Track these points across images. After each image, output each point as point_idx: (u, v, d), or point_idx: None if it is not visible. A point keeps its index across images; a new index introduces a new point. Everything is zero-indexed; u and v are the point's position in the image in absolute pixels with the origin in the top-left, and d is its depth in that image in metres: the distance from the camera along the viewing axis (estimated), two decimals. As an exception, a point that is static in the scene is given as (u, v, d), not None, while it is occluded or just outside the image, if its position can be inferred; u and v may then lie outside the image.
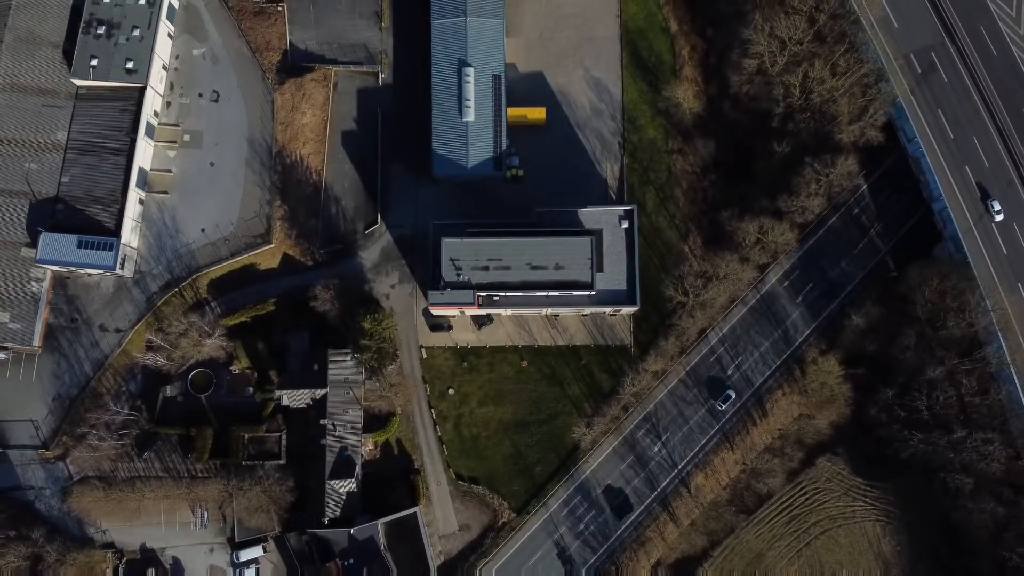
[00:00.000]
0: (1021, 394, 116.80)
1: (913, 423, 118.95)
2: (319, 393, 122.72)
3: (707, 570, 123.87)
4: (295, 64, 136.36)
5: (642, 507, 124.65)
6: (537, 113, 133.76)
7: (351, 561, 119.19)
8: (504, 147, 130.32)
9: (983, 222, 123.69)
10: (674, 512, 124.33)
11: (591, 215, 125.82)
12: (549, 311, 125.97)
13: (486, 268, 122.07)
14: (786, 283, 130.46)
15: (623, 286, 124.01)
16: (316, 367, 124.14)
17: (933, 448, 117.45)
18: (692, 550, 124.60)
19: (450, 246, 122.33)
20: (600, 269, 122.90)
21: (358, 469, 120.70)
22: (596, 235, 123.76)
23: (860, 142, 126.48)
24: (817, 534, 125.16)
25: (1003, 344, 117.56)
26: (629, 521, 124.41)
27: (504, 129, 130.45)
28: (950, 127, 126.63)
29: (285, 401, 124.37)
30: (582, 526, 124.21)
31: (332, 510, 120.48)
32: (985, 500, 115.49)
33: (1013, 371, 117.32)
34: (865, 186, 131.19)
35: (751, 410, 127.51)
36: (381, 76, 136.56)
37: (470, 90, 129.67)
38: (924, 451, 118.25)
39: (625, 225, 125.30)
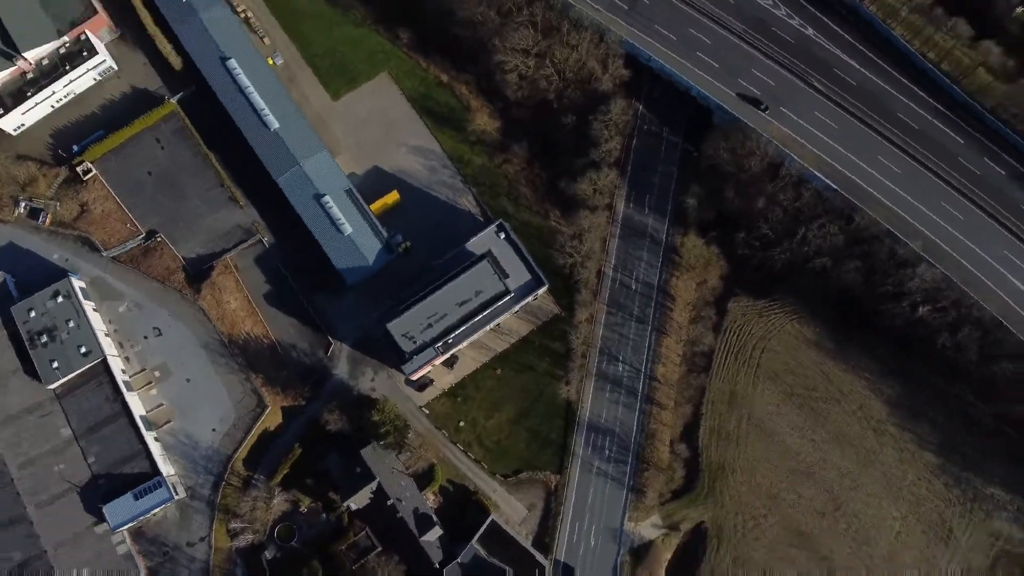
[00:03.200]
0: (820, 177, 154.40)
1: (769, 244, 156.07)
2: (373, 485, 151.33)
3: (704, 429, 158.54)
4: (197, 271, 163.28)
5: (636, 411, 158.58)
6: (392, 197, 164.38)
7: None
8: (386, 235, 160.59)
9: (731, 80, 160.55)
10: (659, 401, 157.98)
11: (476, 244, 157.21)
12: (490, 326, 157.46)
13: (430, 325, 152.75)
14: (631, 205, 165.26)
15: (529, 276, 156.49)
16: (358, 469, 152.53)
17: (792, 252, 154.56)
18: (686, 419, 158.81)
19: (395, 326, 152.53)
20: (507, 276, 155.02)
21: (434, 517, 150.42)
22: (488, 255, 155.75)
23: (617, 82, 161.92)
24: (759, 355, 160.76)
25: (792, 155, 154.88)
26: (634, 427, 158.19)
27: (377, 223, 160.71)
28: (669, 32, 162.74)
29: (354, 507, 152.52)
30: (607, 452, 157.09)
31: (436, 557, 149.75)
32: (844, 264, 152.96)
33: (810, 167, 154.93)
34: (641, 107, 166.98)
35: (664, 303, 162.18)
36: (265, 239, 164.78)
37: (336, 212, 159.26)
38: (789, 258, 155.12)
39: (503, 236, 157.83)
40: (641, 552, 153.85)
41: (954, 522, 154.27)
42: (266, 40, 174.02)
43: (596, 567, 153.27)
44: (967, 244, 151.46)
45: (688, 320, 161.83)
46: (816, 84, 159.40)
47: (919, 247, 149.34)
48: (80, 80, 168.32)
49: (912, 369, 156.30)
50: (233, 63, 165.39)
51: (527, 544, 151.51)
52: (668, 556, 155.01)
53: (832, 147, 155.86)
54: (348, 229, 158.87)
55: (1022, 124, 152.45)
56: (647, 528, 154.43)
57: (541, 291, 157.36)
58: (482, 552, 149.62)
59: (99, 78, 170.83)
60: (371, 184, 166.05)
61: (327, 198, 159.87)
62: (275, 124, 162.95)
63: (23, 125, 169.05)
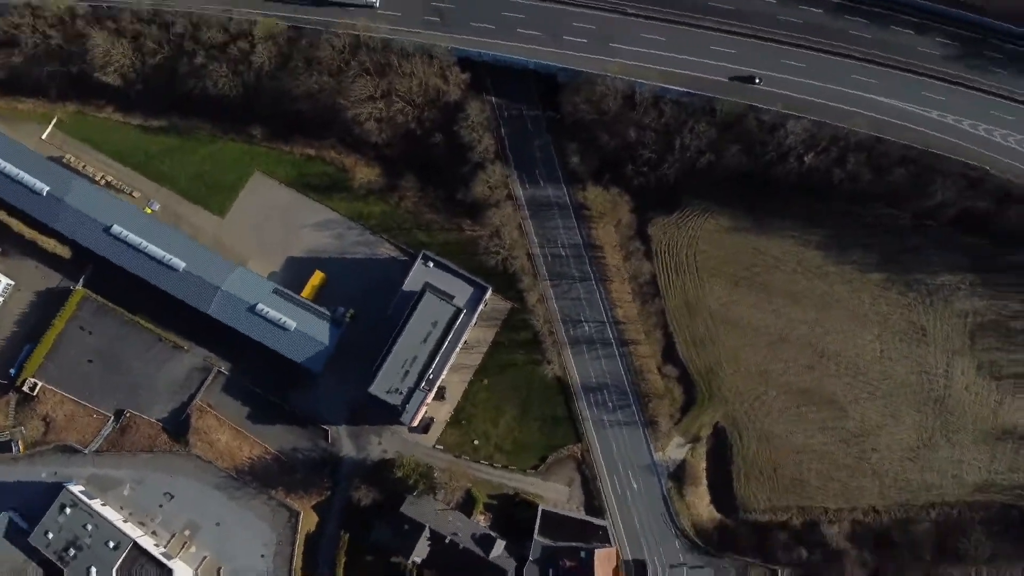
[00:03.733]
0: (671, 88, 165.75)
1: (656, 164, 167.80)
2: (426, 532, 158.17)
3: (679, 344, 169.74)
4: (177, 425, 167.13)
5: (617, 357, 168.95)
6: (317, 277, 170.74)
7: (552, 570, 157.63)
8: (328, 313, 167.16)
9: (558, 41, 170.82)
10: (631, 340, 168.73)
11: (412, 282, 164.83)
12: (459, 346, 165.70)
13: (407, 372, 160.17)
14: (527, 186, 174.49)
15: (471, 288, 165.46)
16: (406, 526, 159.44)
17: (680, 162, 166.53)
18: (661, 343, 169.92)
19: (377, 387, 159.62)
20: (452, 297, 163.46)
21: (492, 533, 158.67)
22: (427, 287, 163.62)
23: (463, 87, 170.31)
24: (693, 260, 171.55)
25: (638, 80, 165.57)
26: (622, 372, 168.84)
27: (314, 306, 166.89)
28: (486, 23, 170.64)
29: (419, 560, 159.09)
30: (610, 404, 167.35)
31: (510, 566, 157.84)
32: (725, 152, 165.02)
33: (659, 84, 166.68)
34: (494, 99, 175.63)
35: (594, 255, 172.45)
36: (222, 368, 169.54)
37: (274, 314, 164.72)
38: (679, 167, 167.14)
39: (431, 264, 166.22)
40: (679, 473, 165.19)
41: (922, 321, 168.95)
42: (135, 194, 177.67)
43: (648, 505, 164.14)
44: (819, 85, 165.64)
45: (622, 260, 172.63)
46: (629, 10, 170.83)
47: (780, 107, 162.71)
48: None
49: (825, 211, 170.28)
50: (116, 228, 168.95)
51: (581, 515, 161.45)
52: (703, 465, 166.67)
53: (668, 57, 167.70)
54: (292, 324, 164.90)
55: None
56: (674, 450, 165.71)
57: (487, 295, 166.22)
58: (547, 542, 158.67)
59: (2, 299, 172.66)
60: (293, 275, 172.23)
61: (259, 306, 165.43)
62: (181, 264, 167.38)
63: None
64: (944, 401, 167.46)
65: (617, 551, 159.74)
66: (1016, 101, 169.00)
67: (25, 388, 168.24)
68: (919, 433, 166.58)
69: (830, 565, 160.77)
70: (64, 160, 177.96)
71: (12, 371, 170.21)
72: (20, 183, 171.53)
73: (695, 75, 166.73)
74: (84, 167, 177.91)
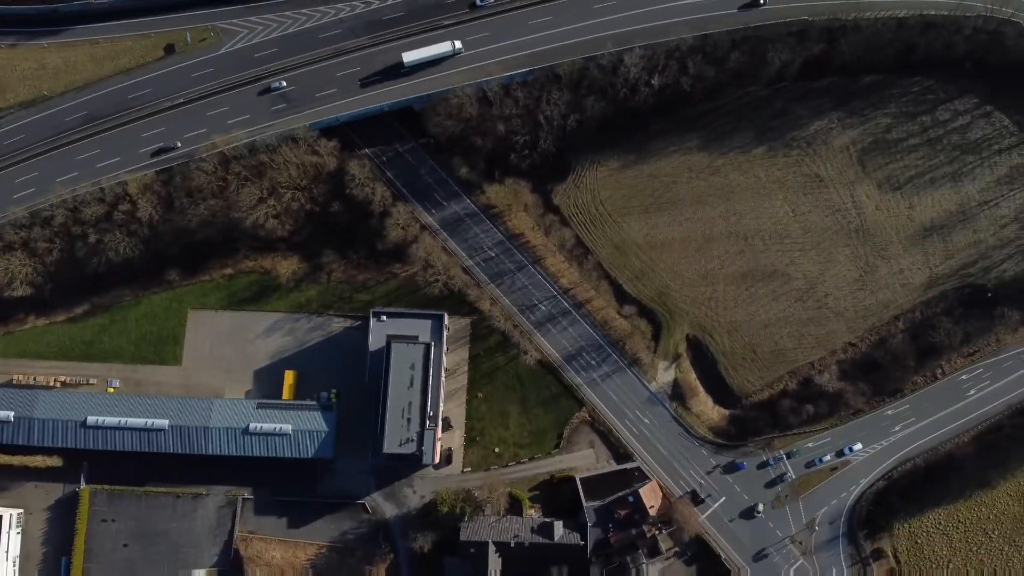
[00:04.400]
0: (513, 73, 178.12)
1: (533, 144, 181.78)
2: (491, 546, 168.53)
3: (625, 284, 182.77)
4: (229, 564, 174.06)
5: (580, 320, 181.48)
6: (290, 376, 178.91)
7: (612, 525, 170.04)
8: (315, 403, 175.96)
9: (398, 76, 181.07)
10: (584, 299, 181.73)
11: (374, 341, 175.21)
12: (444, 377, 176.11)
13: (408, 419, 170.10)
14: (433, 211, 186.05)
15: (429, 321, 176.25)
16: (472, 549, 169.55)
17: (552, 135, 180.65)
18: (610, 291, 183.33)
19: (389, 445, 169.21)
20: (416, 337, 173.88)
21: (547, 519, 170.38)
22: (390, 338, 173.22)
23: (336, 153, 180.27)
24: (603, 208, 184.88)
25: (482, 79, 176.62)
26: (590, 330, 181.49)
27: (299, 403, 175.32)
28: (326, 89, 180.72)
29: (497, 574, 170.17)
30: (592, 362, 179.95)
31: (575, 540, 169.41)
32: (584, 104, 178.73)
33: (501, 74, 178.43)
34: (367, 151, 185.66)
35: (519, 243, 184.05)
36: (245, 495, 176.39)
37: (267, 427, 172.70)
38: (553, 138, 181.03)
39: (384, 318, 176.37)
40: (677, 392, 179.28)
41: (814, 169, 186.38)
42: (92, 381, 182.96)
43: (664, 431, 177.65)
44: (635, 13, 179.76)
45: (544, 236, 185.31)
46: (444, 22, 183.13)
47: (612, 49, 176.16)
48: (12, 541, 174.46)
49: (692, 116, 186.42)
50: (91, 419, 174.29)
51: (613, 467, 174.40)
52: (693, 376, 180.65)
53: (497, 47, 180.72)
54: (288, 428, 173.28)
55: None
56: (663, 375, 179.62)
57: (446, 321, 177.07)
58: (597, 503, 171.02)
59: (19, 531, 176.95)
60: (267, 384, 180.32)
61: (252, 426, 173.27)
62: (165, 423, 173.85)
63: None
64: (863, 228, 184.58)
65: (657, 482, 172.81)
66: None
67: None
68: (856, 264, 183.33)
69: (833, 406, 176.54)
70: (14, 381, 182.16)
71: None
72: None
73: (531, 51, 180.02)
74: (34, 379, 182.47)
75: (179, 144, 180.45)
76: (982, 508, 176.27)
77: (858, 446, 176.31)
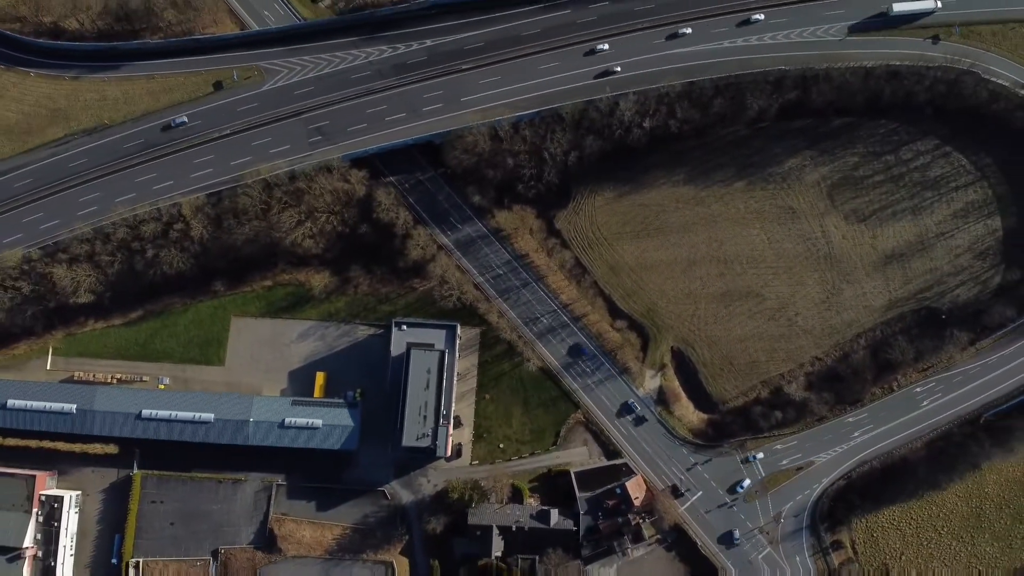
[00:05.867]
0: (523, 113, 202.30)
1: (538, 176, 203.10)
2: (495, 530, 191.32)
3: (618, 301, 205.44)
4: (265, 542, 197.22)
5: (577, 332, 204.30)
6: (321, 378, 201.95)
7: (601, 513, 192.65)
8: (342, 401, 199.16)
9: (418, 114, 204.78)
10: (581, 314, 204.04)
11: (395, 347, 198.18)
12: (456, 380, 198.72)
13: (424, 417, 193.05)
14: (449, 233, 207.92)
15: (444, 331, 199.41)
16: (478, 532, 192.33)
17: (552, 167, 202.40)
18: (604, 307, 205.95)
19: (406, 439, 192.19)
20: (432, 345, 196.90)
21: (545, 507, 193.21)
22: (409, 346, 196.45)
23: (364, 182, 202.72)
24: (602, 230, 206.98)
25: (496, 119, 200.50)
26: (585, 341, 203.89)
27: (328, 401, 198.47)
28: (359, 124, 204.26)
29: (499, 553, 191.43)
30: (587, 369, 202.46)
31: (567, 525, 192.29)
32: (584, 143, 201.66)
33: (513, 114, 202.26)
34: (392, 179, 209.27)
35: (525, 262, 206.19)
36: (279, 481, 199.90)
37: (300, 421, 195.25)
38: (556, 171, 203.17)
39: (404, 327, 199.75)
40: (662, 398, 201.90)
41: (788, 202, 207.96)
42: (145, 378, 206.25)
43: (650, 432, 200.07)
44: (631, 60, 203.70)
45: (547, 257, 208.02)
46: (463, 66, 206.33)
47: (609, 94, 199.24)
48: (71, 519, 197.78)
49: (679, 152, 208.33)
50: (145, 412, 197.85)
51: (604, 462, 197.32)
52: (676, 383, 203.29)
53: (508, 90, 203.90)
54: (319, 423, 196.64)
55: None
56: (650, 382, 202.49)
57: (459, 331, 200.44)
58: (588, 494, 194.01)
59: (77, 510, 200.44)
60: (300, 384, 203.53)
61: (287, 420, 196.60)
62: (211, 416, 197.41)
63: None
64: (831, 255, 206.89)
65: (642, 476, 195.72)
66: (779, 5, 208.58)
67: (130, 571, 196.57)
68: (823, 287, 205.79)
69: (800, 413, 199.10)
70: (75, 378, 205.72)
71: (114, 560, 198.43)
72: (50, 412, 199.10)
73: (537, 93, 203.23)
74: (93, 376, 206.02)
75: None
76: (932, 507, 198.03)
77: (760, 455, 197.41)
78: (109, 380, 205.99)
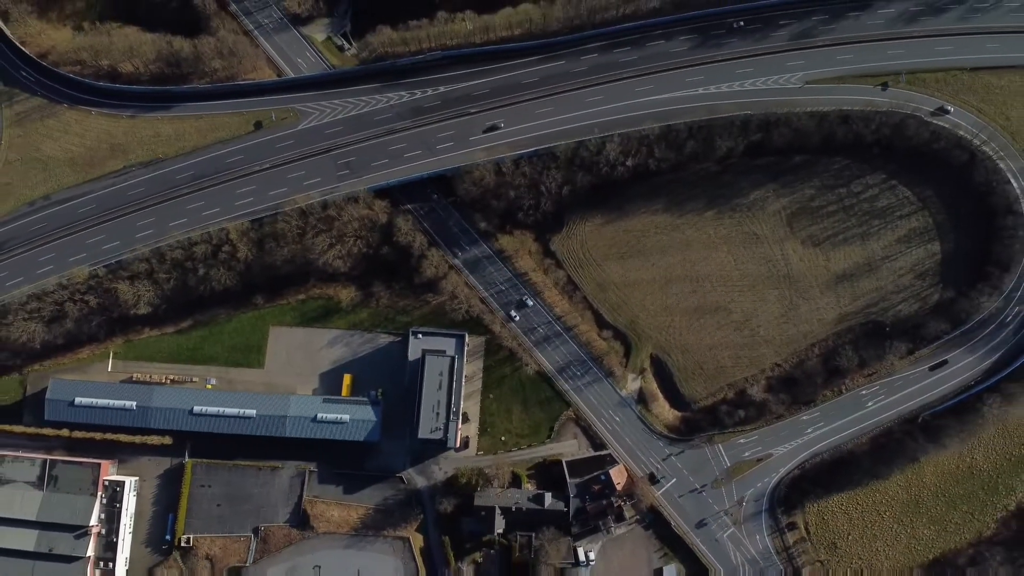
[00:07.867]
0: (523, 151, 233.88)
1: (536, 205, 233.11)
2: (498, 510, 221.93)
3: (605, 314, 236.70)
4: (301, 523, 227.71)
5: (569, 340, 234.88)
6: (348, 379, 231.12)
7: (588, 497, 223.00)
8: (367, 400, 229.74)
9: (433, 151, 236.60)
10: (573, 325, 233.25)
11: (412, 353, 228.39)
12: (464, 381, 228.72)
13: (437, 413, 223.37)
14: (458, 254, 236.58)
15: (454, 340, 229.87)
16: (483, 512, 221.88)
17: (548, 199, 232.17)
18: (593, 319, 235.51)
19: (422, 431, 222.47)
20: (444, 351, 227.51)
21: (540, 491, 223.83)
22: (424, 352, 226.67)
23: (387, 210, 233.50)
24: (589, 254, 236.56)
25: (500, 156, 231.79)
26: (576, 348, 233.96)
27: (354, 399, 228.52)
28: (382, 160, 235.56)
29: (500, 531, 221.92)
30: (577, 372, 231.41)
31: (560, 507, 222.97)
32: (575, 177, 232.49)
33: (514, 152, 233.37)
34: (410, 207, 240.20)
35: (525, 280, 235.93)
36: (311, 468, 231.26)
37: (330, 416, 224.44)
38: (551, 201, 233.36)
39: (420, 335, 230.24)
40: (642, 398, 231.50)
41: (753, 229, 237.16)
42: (194, 379, 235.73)
43: (630, 427, 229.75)
44: (615, 106, 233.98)
45: (543, 275, 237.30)
46: (471, 110, 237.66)
47: (597, 135, 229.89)
48: (130, 501, 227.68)
49: (658, 185, 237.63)
50: (197, 408, 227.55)
51: (591, 453, 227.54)
52: (655, 386, 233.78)
53: (511, 130, 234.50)
54: (346, 418, 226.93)
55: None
56: (631, 384, 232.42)
57: (467, 339, 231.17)
58: (577, 480, 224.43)
59: (135, 493, 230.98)
60: (330, 385, 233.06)
61: (319, 416, 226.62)
62: (253, 412, 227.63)
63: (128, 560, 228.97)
64: (789, 275, 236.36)
65: (624, 465, 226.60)
66: (747, 57, 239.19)
67: (182, 544, 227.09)
68: (782, 303, 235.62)
69: (761, 411, 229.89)
70: (133, 379, 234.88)
71: (168, 536, 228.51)
72: (114, 408, 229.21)
73: (539, 133, 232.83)
74: (150, 377, 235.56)
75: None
76: (876, 494, 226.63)
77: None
78: (163, 381, 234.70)
